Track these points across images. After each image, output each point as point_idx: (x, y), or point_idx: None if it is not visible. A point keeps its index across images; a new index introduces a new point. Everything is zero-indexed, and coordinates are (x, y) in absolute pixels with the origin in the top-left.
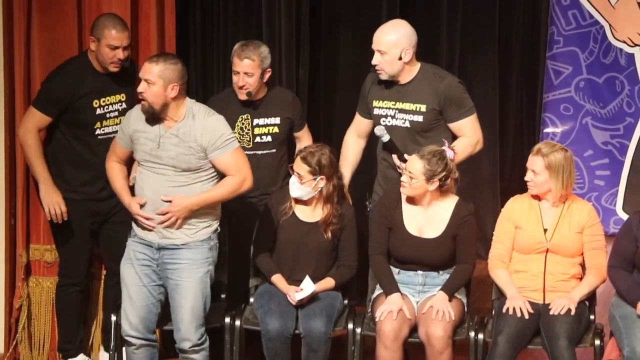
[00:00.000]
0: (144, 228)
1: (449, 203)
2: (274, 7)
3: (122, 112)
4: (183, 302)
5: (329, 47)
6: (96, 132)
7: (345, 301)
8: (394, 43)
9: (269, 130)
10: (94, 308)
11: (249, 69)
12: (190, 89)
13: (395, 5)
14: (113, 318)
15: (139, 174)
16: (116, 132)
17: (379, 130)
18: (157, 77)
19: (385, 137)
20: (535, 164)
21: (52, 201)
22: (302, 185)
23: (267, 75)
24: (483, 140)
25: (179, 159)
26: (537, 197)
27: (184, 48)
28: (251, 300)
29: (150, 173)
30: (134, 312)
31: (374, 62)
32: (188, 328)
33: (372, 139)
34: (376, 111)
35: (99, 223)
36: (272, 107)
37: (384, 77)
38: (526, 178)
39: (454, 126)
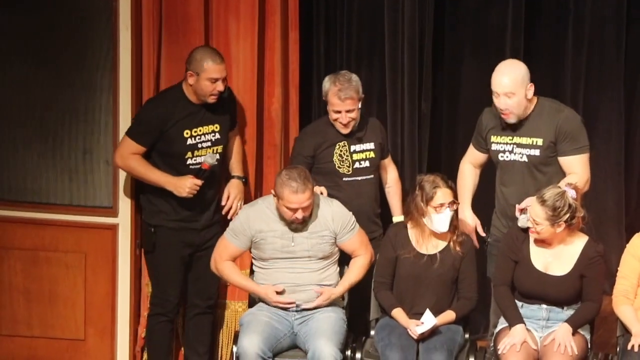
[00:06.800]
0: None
1: (579, 242)
2: (397, 40)
3: (215, 142)
4: (322, 325)
5: (450, 81)
6: (187, 162)
7: (467, 335)
8: (520, 82)
9: (366, 155)
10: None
11: (350, 106)
12: (312, 120)
13: (520, 41)
14: (234, 349)
15: (260, 272)
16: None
17: (523, 222)
18: (312, 196)
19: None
20: None
21: (183, 183)
22: (452, 211)
23: (361, 102)
24: (591, 182)
25: (315, 249)
26: None
27: (308, 80)
28: (372, 333)
29: (278, 268)
30: (258, 329)
31: (502, 107)
32: (326, 343)
33: (488, 169)
34: (494, 147)
35: (191, 254)
36: (366, 133)
37: (512, 120)
38: None
39: (564, 161)
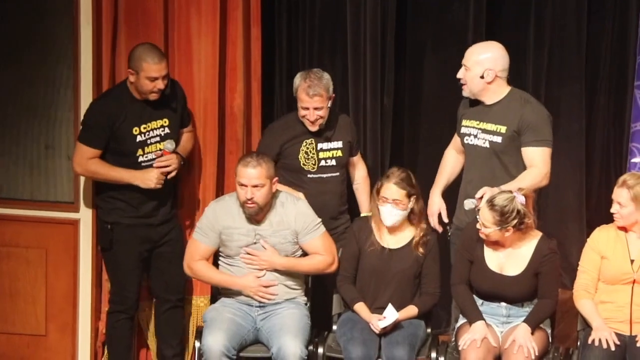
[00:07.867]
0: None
1: (531, 240)
2: (360, 35)
3: (165, 137)
4: (287, 322)
5: (413, 76)
6: (139, 160)
7: (428, 330)
8: (477, 61)
9: (333, 154)
10: (144, 337)
11: (319, 103)
12: (276, 117)
13: (481, 36)
14: (197, 344)
15: (226, 268)
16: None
17: (469, 205)
18: (265, 179)
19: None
20: (621, 196)
21: (150, 175)
22: (399, 210)
23: (332, 101)
24: (550, 177)
25: (278, 247)
26: (623, 229)
27: (270, 75)
28: (334, 327)
29: (244, 265)
30: (222, 326)
31: (458, 75)
32: (292, 340)
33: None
34: (462, 130)
35: (149, 250)
36: (335, 132)
37: (465, 93)
38: (612, 210)
39: (525, 152)
